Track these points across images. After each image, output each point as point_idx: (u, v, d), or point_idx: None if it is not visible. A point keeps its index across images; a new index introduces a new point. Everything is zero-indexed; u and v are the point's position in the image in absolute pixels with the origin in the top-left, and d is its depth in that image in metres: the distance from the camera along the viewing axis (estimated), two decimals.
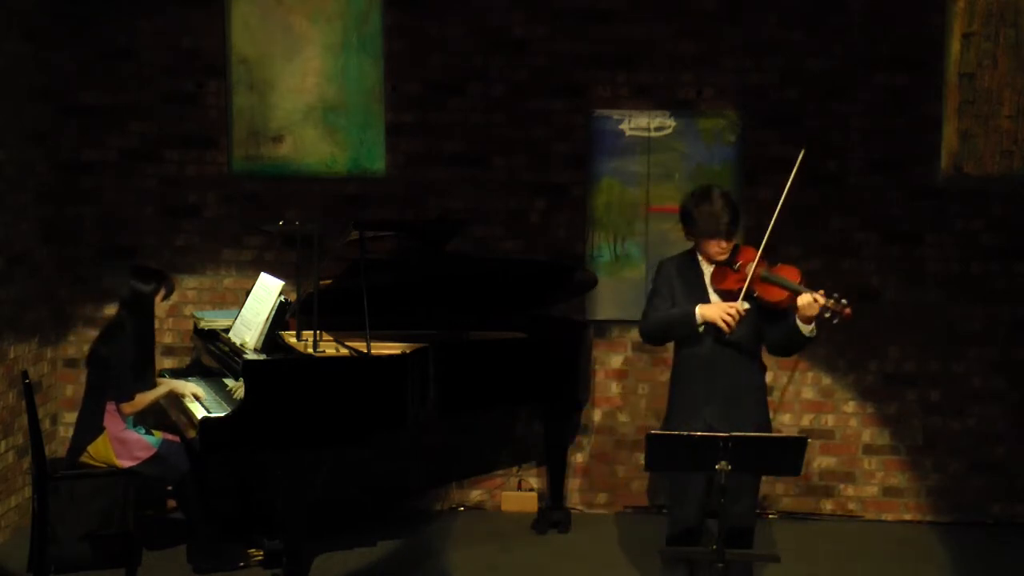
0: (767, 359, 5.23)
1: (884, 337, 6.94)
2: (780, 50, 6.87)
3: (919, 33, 6.80)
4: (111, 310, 6.09)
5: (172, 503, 6.71)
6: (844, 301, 4.81)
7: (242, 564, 6.05)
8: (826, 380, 7.00)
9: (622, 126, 6.96)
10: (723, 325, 4.92)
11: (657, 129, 6.95)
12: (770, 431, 5.20)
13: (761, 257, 4.97)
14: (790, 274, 4.97)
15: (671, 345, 5.28)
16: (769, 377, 6.85)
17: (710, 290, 5.07)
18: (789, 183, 4.98)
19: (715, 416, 4.97)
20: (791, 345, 5.09)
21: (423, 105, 6.98)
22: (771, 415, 6.84)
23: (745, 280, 4.93)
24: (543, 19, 6.93)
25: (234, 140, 7.03)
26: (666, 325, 5.15)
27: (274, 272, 6.24)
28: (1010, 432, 6.93)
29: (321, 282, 5.92)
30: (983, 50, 6.73)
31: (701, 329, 5.01)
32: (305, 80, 6.99)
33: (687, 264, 5.14)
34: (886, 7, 6.82)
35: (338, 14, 6.96)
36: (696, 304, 5.02)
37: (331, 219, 6.77)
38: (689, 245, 5.18)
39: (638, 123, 6.95)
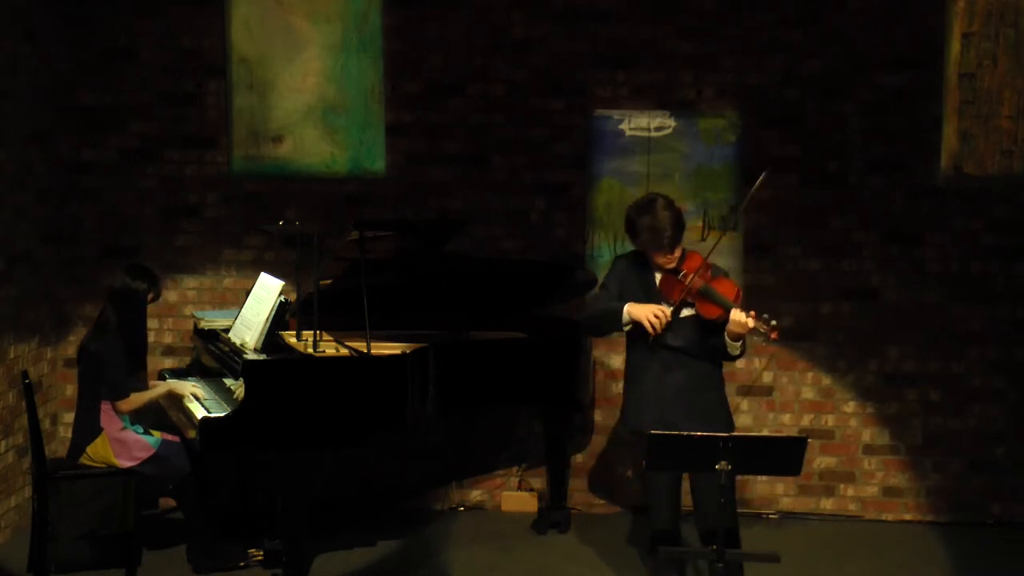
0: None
1: (884, 337, 6.94)
2: (780, 50, 6.87)
3: (919, 33, 6.80)
4: None
5: (162, 502, 6.70)
6: (773, 323, 4.87)
7: (242, 564, 6.04)
8: (826, 380, 7.00)
9: (622, 126, 6.96)
10: (648, 326, 4.99)
11: (657, 129, 6.95)
12: (733, 429, 5.19)
13: (704, 269, 5.02)
14: (728, 290, 5.01)
15: None
16: (768, 377, 6.90)
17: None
18: (749, 196, 5.11)
19: (667, 415, 4.99)
20: (721, 357, 5.14)
21: (423, 105, 6.98)
22: (770, 415, 6.94)
23: (684, 292, 5.01)
24: (543, 19, 6.92)
25: (234, 140, 7.03)
26: (599, 318, 5.23)
27: (274, 272, 6.24)
28: (1010, 432, 6.93)
29: (321, 282, 5.93)
30: (983, 50, 6.72)
31: (627, 328, 5.07)
32: (305, 80, 6.99)
33: (641, 265, 5.20)
34: (886, 7, 6.82)
35: (338, 14, 6.96)
36: (648, 297, 5.08)
37: (331, 219, 6.77)
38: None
39: (638, 123, 6.95)
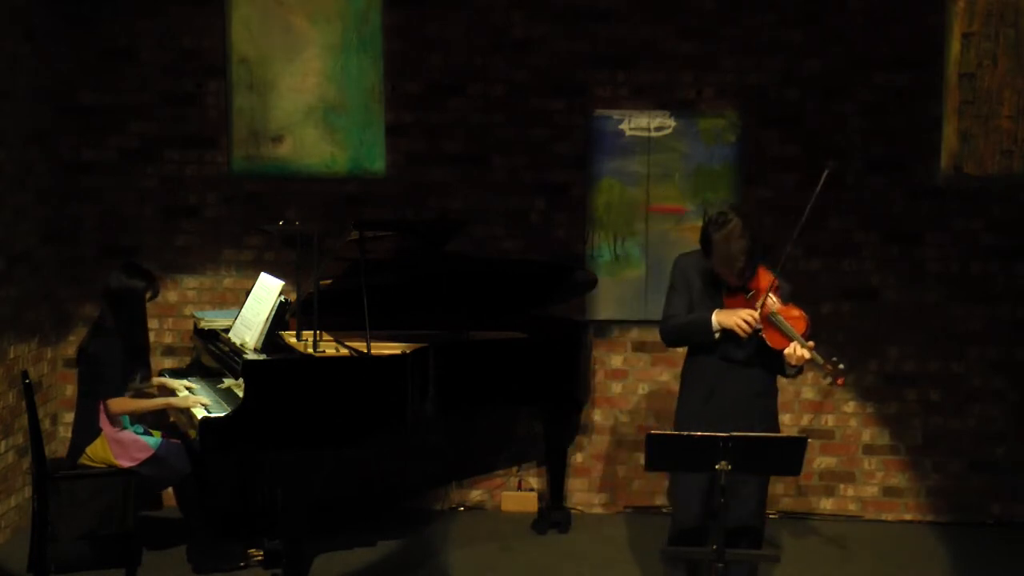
0: None
1: (884, 337, 6.94)
2: (780, 50, 6.87)
3: (919, 33, 6.80)
4: None
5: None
6: (841, 367, 4.82)
7: (242, 564, 6.05)
8: (826, 380, 6.98)
9: (622, 126, 6.96)
10: (740, 332, 4.91)
11: (657, 129, 6.95)
12: None
13: (775, 291, 4.94)
14: (797, 321, 4.92)
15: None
16: None
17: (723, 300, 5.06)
18: (812, 200, 4.97)
19: (720, 420, 4.95)
20: (777, 372, 5.12)
21: (423, 105, 6.98)
22: None
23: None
24: (543, 19, 6.93)
25: (234, 140, 7.03)
26: (685, 331, 5.12)
27: (274, 272, 6.24)
28: (1010, 432, 6.93)
29: (321, 282, 5.93)
30: (983, 50, 6.72)
31: (718, 336, 4.99)
32: (305, 80, 6.99)
33: (705, 268, 5.09)
34: (886, 7, 6.82)
35: (338, 14, 6.96)
36: (713, 308, 5.01)
37: (331, 219, 6.78)
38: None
39: (638, 123, 6.95)
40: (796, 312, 4.95)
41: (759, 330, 4.92)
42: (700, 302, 5.07)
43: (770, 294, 4.93)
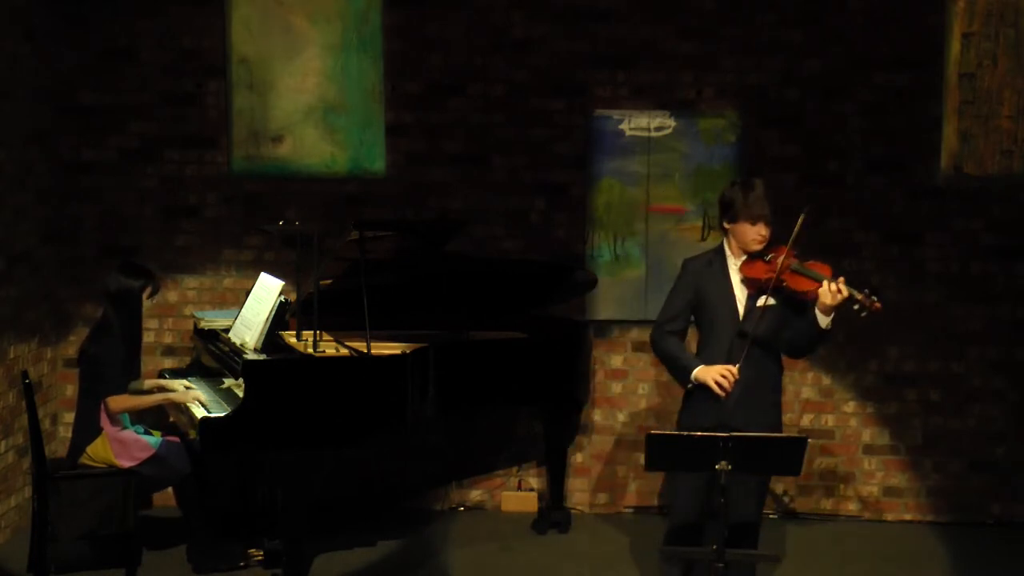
0: None
1: (884, 337, 6.94)
2: (780, 50, 6.87)
3: (919, 33, 6.80)
4: None
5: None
6: (874, 298, 4.84)
7: (242, 564, 6.04)
8: (826, 380, 7.00)
9: (622, 126, 6.96)
10: (715, 388, 4.98)
11: (657, 129, 6.96)
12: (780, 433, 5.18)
13: (791, 252, 5.00)
14: (822, 267, 5.01)
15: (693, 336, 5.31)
16: None
17: (735, 280, 5.08)
18: (794, 235, 4.97)
19: (728, 413, 4.98)
20: (807, 342, 5.12)
21: (423, 105, 6.98)
22: None
23: (775, 272, 4.96)
24: (543, 19, 6.93)
25: (234, 140, 7.03)
26: (667, 362, 5.25)
27: (274, 272, 6.24)
28: (1010, 432, 6.93)
29: (321, 282, 5.93)
30: (983, 50, 6.73)
31: (690, 387, 5.09)
32: (305, 80, 6.99)
33: (713, 259, 5.16)
34: (886, 7, 6.82)
35: (338, 14, 6.96)
36: (722, 299, 5.07)
37: (331, 219, 6.78)
38: (706, 246, 5.20)
39: (638, 123, 6.95)
40: (820, 264, 5.04)
41: (773, 291, 4.98)
42: (708, 293, 5.11)
43: (790, 254, 5.00)
